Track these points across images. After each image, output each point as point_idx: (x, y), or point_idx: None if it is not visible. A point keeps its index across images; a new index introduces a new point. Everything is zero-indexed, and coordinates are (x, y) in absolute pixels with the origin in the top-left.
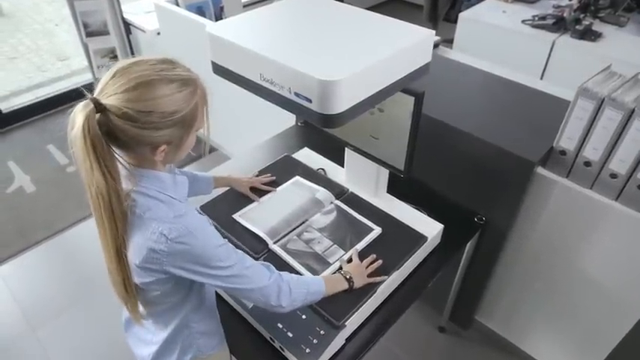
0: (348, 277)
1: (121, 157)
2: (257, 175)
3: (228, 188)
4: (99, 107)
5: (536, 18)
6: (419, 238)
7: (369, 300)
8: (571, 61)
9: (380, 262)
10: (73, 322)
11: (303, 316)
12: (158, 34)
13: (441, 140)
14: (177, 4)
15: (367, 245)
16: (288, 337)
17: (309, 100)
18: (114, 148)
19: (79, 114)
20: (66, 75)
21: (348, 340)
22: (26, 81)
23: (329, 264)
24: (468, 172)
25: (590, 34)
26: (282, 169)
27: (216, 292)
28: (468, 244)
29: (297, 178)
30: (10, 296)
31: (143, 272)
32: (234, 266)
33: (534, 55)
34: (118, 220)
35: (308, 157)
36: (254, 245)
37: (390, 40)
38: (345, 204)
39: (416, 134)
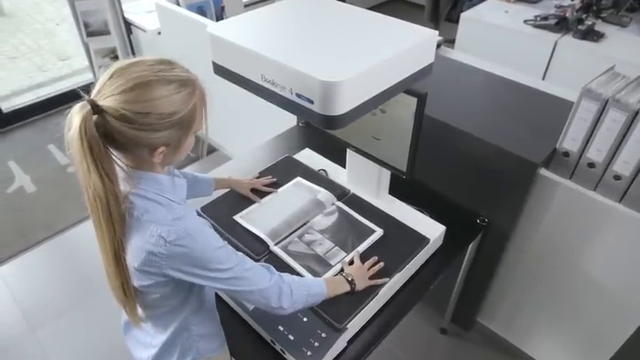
0: (349, 279)
1: (118, 159)
2: (258, 177)
3: (228, 189)
4: (96, 109)
5: (539, 18)
6: (421, 240)
7: (371, 302)
8: (573, 62)
9: (382, 264)
10: (74, 322)
11: (305, 319)
12: (159, 33)
13: (442, 141)
14: (178, 4)
15: (369, 247)
16: (289, 340)
17: (311, 102)
18: (111, 150)
19: (75, 116)
20: (67, 75)
21: (350, 342)
22: (27, 80)
23: (330, 266)
24: (470, 173)
25: (592, 35)
26: (283, 170)
27: (216, 293)
28: (470, 246)
29: (298, 179)
30: (10, 296)
31: (142, 275)
32: (234, 268)
33: (536, 56)
34: (116, 223)
35: (309, 157)
36: (255, 247)
37: (393, 40)
38: (347, 205)
39: (418, 135)
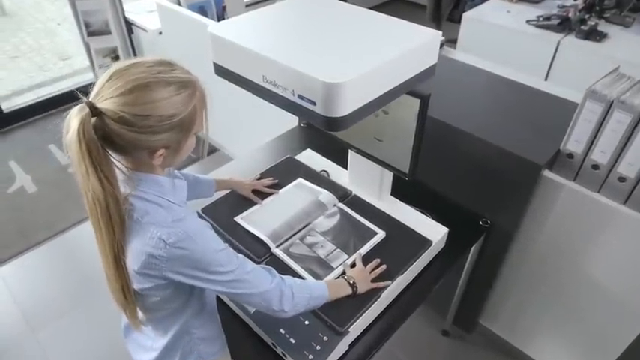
0: (351, 282)
1: (118, 162)
2: (259, 178)
3: (229, 191)
4: (94, 111)
5: (541, 18)
6: (423, 242)
7: (373, 305)
8: (576, 62)
9: (384, 266)
10: (74, 323)
11: (306, 322)
12: (160, 33)
13: (445, 142)
14: (180, 4)
15: (371, 249)
16: (291, 343)
17: (313, 103)
18: (110, 153)
19: (74, 118)
20: (68, 74)
21: (352, 345)
22: (28, 80)
23: (332, 268)
24: (473, 175)
25: (595, 35)
26: (284, 171)
27: (217, 296)
28: (473, 247)
29: (300, 180)
30: (11, 297)
31: (142, 278)
32: (235, 271)
33: (539, 56)
34: (116, 226)
35: (311, 159)
36: (256, 249)
37: (396, 41)
38: (349, 207)
39: (421, 137)
